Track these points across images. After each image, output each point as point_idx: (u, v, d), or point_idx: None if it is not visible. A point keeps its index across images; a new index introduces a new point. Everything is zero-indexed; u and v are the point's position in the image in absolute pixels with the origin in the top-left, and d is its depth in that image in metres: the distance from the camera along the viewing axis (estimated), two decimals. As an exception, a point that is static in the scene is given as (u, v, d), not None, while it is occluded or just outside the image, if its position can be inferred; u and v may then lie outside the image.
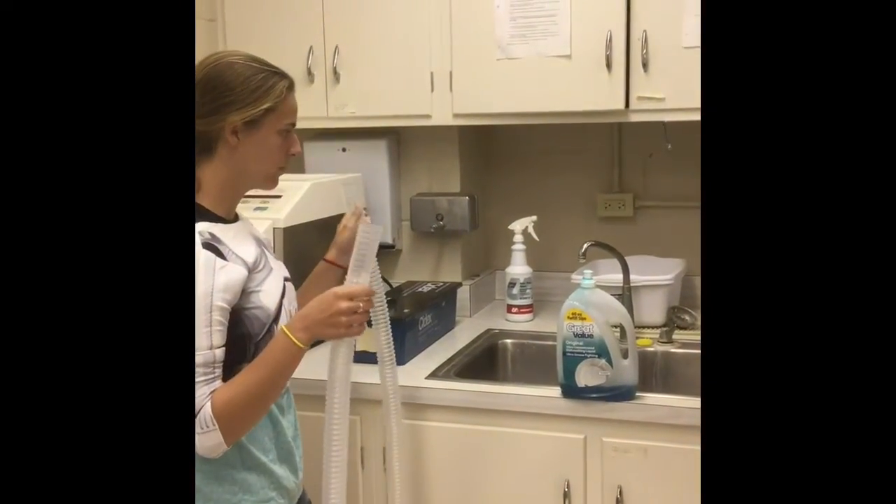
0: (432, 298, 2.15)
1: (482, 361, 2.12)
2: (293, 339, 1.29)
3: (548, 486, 1.76)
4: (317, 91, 2.33)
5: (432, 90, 2.20)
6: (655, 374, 2.09)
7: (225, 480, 1.34)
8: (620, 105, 2.07)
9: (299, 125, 2.41)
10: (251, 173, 1.37)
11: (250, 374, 1.29)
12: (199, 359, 1.24)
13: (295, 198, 2.05)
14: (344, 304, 1.31)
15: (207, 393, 1.25)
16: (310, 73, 2.33)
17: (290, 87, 1.39)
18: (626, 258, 2.19)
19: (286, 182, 2.14)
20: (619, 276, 2.18)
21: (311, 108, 2.35)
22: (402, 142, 2.48)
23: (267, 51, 2.37)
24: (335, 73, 2.30)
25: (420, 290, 2.21)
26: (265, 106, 1.33)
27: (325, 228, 2.02)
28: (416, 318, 2.04)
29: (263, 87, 1.33)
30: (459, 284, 2.36)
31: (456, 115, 2.18)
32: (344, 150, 2.43)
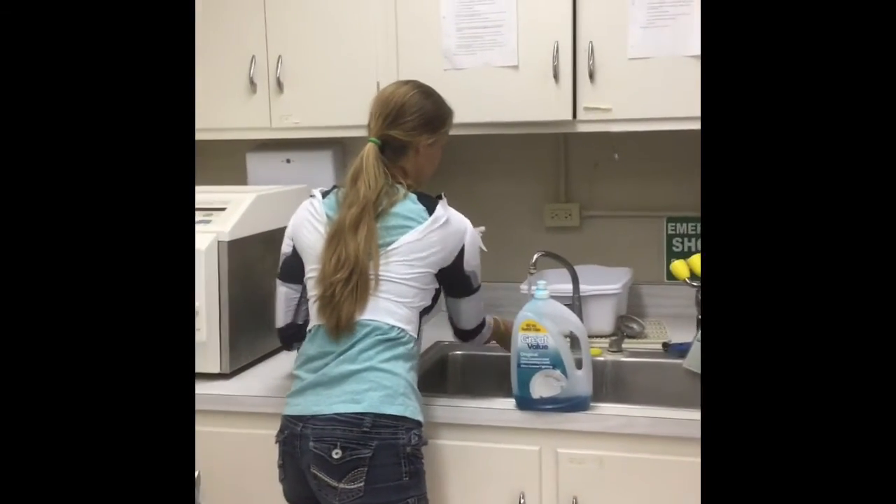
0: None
1: (433, 374, 2.09)
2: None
3: (503, 498, 1.75)
4: (259, 101, 2.29)
5: (378, 100, 2.17)
6: (606, 383, 2.09)
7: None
8: (568, 116, 2.08)
9: (240, 136, 2.40)
10: (425, 175, 1.76)
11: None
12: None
13: (239, 210, 2.00)
14: None
15: None
16: (252, 82, 2.28)
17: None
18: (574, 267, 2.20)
19: (230, 194, 2.09)
20: (569, 286, 2.18)
21: (253, 119, 2.31)
22: (347, 152, 2.44)
23: (208, 59, 2.35)
24: (279, 82, 2.26)
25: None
26: (443, 132, 1.75)
27: (270, 241, 1.97)
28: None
29: (447, 120, 1.77)
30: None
31: (403, 126, 2.16)
32: (288, 161, 2.39)
